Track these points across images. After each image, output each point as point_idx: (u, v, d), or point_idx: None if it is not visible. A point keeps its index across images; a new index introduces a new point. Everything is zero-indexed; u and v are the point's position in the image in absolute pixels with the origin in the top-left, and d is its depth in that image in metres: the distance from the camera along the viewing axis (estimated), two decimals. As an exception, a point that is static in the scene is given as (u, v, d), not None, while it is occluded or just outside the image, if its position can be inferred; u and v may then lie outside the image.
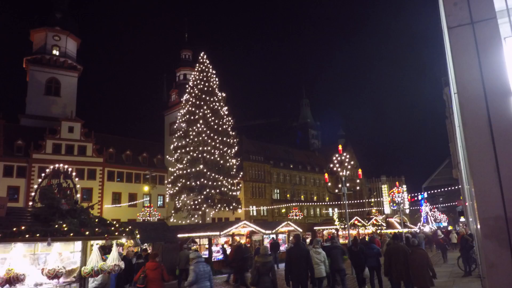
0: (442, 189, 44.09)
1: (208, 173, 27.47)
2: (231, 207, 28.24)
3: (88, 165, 39.76)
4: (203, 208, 27.39)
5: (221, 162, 28.41)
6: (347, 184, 13.42)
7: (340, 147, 13.59)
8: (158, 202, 43.66)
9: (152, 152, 45.93)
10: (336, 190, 14.55)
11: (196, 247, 16.60)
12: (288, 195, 56.58)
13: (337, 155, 13.27)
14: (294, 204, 50.14)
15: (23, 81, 51.35)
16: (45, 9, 46.99)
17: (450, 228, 61.53)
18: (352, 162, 16.29)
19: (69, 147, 39.05)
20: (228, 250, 16.92)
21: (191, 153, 28.08)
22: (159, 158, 45.51)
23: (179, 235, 16.94)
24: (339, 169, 13.24)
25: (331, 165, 13.36)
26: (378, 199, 67.41)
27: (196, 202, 27.57)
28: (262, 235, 19.88)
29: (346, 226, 16.45)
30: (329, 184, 18.78)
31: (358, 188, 46.83)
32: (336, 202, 58.66)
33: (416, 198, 56.68)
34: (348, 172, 13.37)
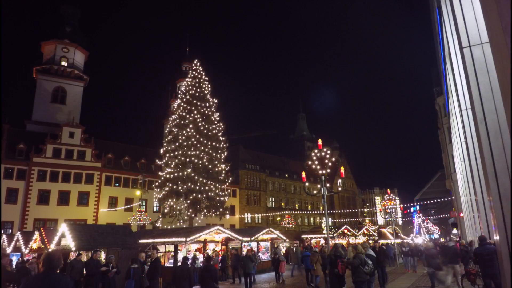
0: (434, 201, 40.81)
1: (196, 177, 24.90)
2: (217, 213, 25.45)
3: (87, 169, 37.51)
4: (188, 213, 24.65)
5: (209, 166, 25.85)
6: (327, 185, 10.74)
7: (319, 141, 10.89)
8: (154, 206, 41.01)
9: (150, 158, 43.54)
10: (315, 191, 11.86)
11: (160, 254, 13.83)
12: (282, 204, 53.40)
13: (316, 151, 10.64)
14: (287, 212, 46.96)
15: (32, 90, 50.18)
16: (57, 23, 46.19)
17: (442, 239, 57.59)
18: (342, 169, 13.65)
19: (68, 151, 37.00)
20: (201, 259, 14.20)
21: (179, 157, 25.60)
22: (157, 164, 43.08)
23: (142, 241, 14.22)
24: (318, 167, 10.59)
25: (309, 162, 10.69)
26: (371, 208, 63.88)
27: (182, 207, 24.88)
28: (240, 242, 17.00)
29: (325, 230, 13.55)
30: (307, 184, 15.99)
31: (340, 189, 43.37)
32: (329, 211, 55.26)
33: (408, 211, 53.50)
34: (329, 170, 10.70)
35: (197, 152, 25.47)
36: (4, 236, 22.64)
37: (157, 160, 28.81)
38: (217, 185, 26.09)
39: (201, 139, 26.19)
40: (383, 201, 22.64)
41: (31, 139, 36.29)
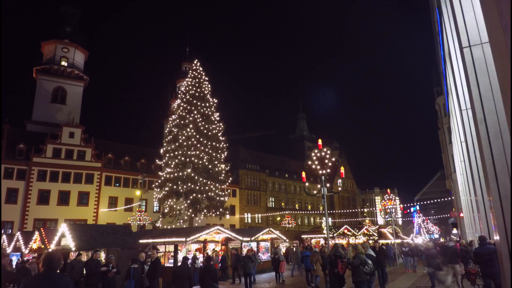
0: (434, 201, 40.81)
1: (196, 177, 24.89)
2: (217, 213, 25.43)
3: (87, 169, 37.52)
4: (188, 213, 24.63)
5: (209, 166, 25.83)
6: (327, 185, 10.74)
7: (319, 141, 10.89)
8: (154, 206, 41.02)
9: (150, 158, 43.61)
10: (315, 191, 11.87)
11: (160, 254, 13.82)
12: (282, 204, 53.39)
13: (316, 151, 10.64)
14: (287, 212, 46.95)
15: (32, 90, 50.19)
16: (57, 24, 46.30)
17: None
18: (342, 169, 13.69)
19: (68, 151, 37.01)
20: (201, 259, 14.19)
21: (179, 157, 25.58)
22: (157, 164, 43.13)
23: (142, 241, 14.19)
24: (318, 167, 10.59)
25: (309, 162, 10.69)
26: (371, 208, 63.84)
27: (183, 206, 24.86)
28: (240, 242, 16.98)
29: (325, 230, 13.57)
30: (307, 184, 15.99)
31: (340, 189, 43.39)
32: (329, 211, 55.24)
33: (408, 211, 53.56)
34: (329, 170, 10.69)
35: (197, 152, 25.45)
36: (4, 236, 22.63)
37: (157, 160, 28.81)
38: (217, 185, 26.07)
39: (201, 139, 26.18)
40: (383, 201, 22.65)
41: (31, 139, 36.28)
